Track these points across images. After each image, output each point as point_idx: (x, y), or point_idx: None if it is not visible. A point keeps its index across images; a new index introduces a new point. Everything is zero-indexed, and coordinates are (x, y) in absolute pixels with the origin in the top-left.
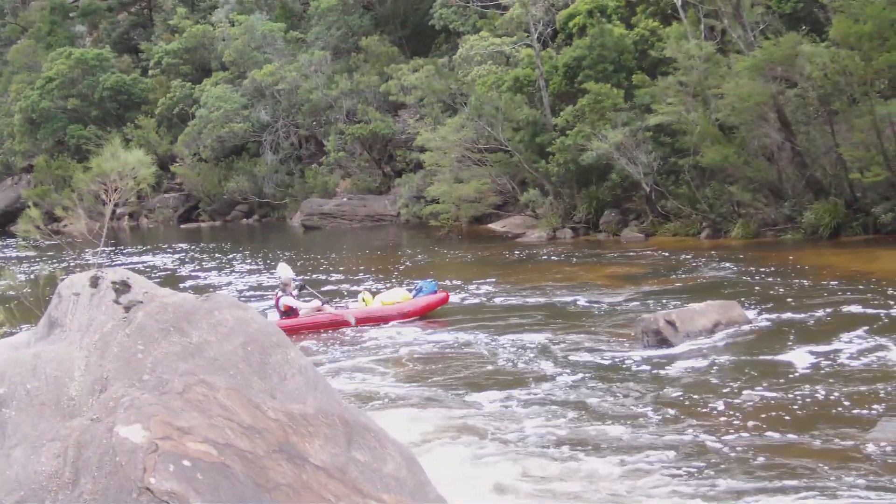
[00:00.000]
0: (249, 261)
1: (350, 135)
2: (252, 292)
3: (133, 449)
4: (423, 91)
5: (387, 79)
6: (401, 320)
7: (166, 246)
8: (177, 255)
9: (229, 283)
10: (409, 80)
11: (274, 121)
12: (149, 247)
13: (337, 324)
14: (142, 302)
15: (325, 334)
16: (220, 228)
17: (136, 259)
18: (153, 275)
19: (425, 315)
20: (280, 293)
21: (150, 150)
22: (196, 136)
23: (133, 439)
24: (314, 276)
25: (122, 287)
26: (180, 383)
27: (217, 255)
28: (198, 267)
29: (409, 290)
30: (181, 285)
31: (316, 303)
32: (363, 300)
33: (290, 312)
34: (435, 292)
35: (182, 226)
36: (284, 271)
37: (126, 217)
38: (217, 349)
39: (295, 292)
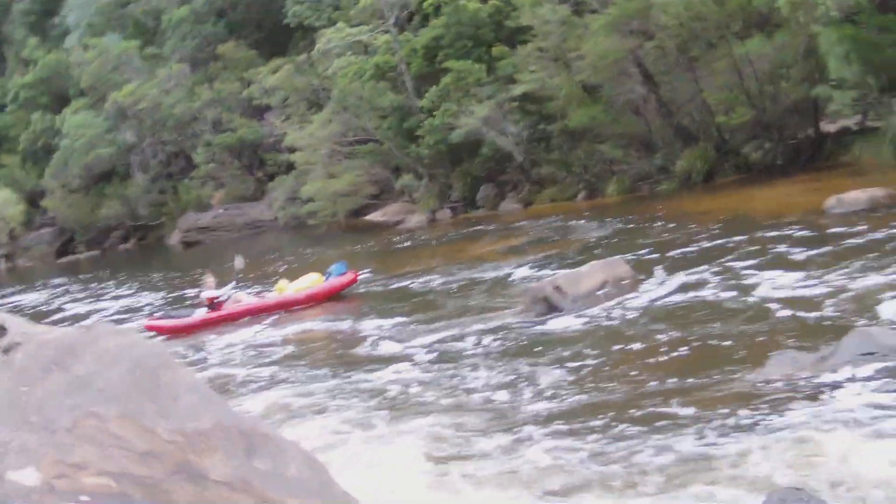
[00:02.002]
0: (129, 286)
1: (218, 145)
2: (135, 315)
3: (27, 493)
4: (286, 91)
5: (248, 84)
6: (312, 304)
7: (43, 283)
8: (55, 291)
9: (110, 311)
10: (269, 81)
11: (140, 141)
12: (25, 285)
13: (259, 310)
14: (20, 343)
15: (242, 324)
16: (98, 258)
17: (13, 299)
18: (32, 313)
19: (337, 295)
20: (202, 289)
21: (18, 187)
22: (62, 167)
23: (26, 483)
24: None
25: None
26: (69, 419)
27: (95, 284)
28: (77, 299)
29: (324, 274)
30: (61, 320)
31: (240, 294)
32: (278, 289)
33: (213, 305)
34: (344, 273)
35: (59, 260)
36: (207, 279)
37: (2, 259)
38: (103, 379)
39: (224, 289)
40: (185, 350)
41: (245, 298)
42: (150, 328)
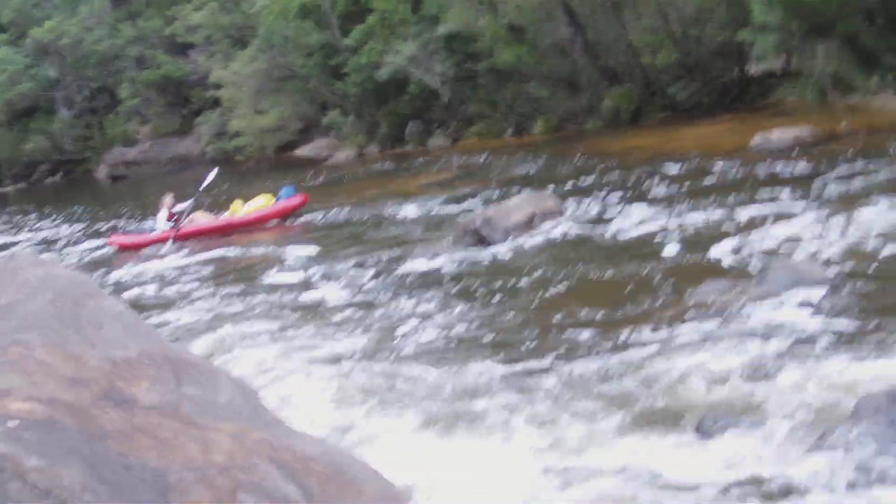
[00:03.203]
0: (54, 219)
1: (142, 81)
2: (56, 246)
3: None
4: (210, 29)
5: (172, 21)
6: (263, 223)
7: None
8: None
9: (33, 242)
10: (193, 19)
11: (63, 76)
12: None
13: (213, 230)
14: None
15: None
16: (24, 191)
17: None
18: None
19: (287, 216)
20: (160, 209)
21: None
22: None
23: None
24: (125, 222)
25: None
26: None
27: (20, 217)
28: (4, 229)
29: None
30: None
31: (200, 215)
32: (233, 209)
33: (174, 223)
34: (293, 196)
35: None
36: (165, 198)
37: None
38: (26, 308)
39: (181, 206)
40: (126, 272)
41: (199, 218)
42: (114, 244)
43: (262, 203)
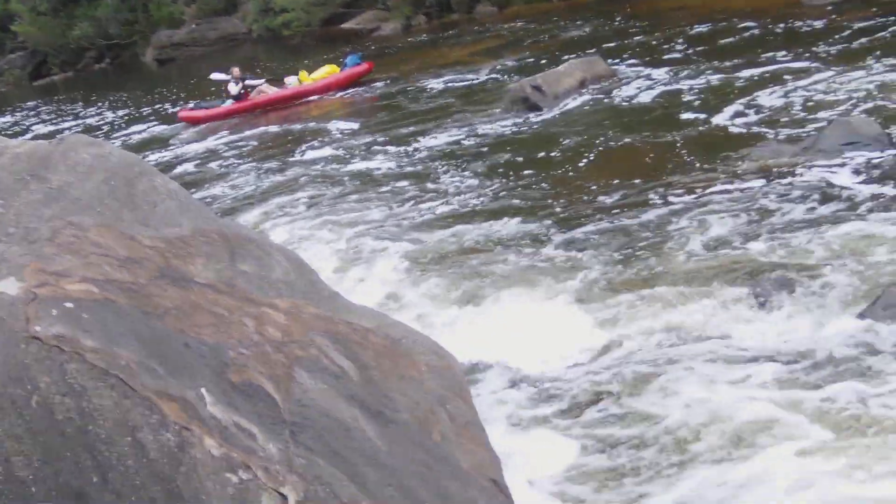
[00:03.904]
0: (104, 105)
1: None
2: (114, 131)
3: (11, 302)
4: None
5: None
6: (328, 91)
7: (18, 105)
8: (30, 112)
9: (84, 127)
10: None
11: None
12: (2, 109)
13: (282, 99)
14: None
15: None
16: (73, 79)
17: None
18: (8, 133)
19: (352, 84)
20: (229, 79)
21: None
22: None
23: (9, 292)
24: (175, 107)
25: None
26: (48, 229)
27: (71, 104)
28: (52, 119)
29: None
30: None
31: (268, 86)
32: (299, 79)
33: (239, 97)
34: (358, 64)
35: (35, 83)
36: (230, 72)
37: None
38: (79, 189)
39: (248, 81)
40: (184, 149)
41: (268, 89)
42: (183, 118)
43: (326, 71)
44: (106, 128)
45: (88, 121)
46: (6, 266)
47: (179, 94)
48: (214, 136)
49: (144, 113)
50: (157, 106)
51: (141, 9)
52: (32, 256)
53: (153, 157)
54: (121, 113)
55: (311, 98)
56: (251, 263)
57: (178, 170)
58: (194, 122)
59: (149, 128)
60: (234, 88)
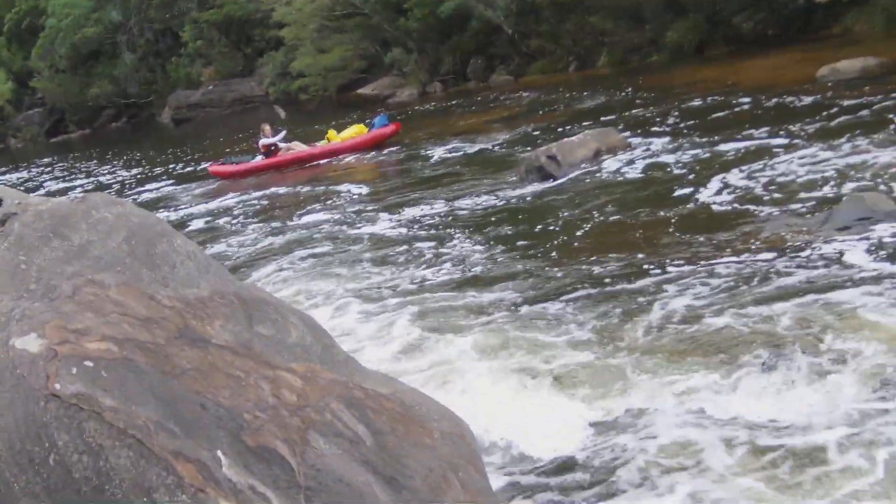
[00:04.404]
0: (120, 163)
1: (205, 22)
2: (128, 190)
3: (32, 359)
4: None
5: None
6: (356, 150)
7: (34, 161)
8: (47, 169)
9: (102, 185)
10: None
11: (126, 20)
12: (18, 165)
13: (311, 157)
14: (16, 213)
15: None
16: (90, 136)
17: (5, 178)
18: (25, 189)
19: (380, 144)
20: (260, 138)
21: (4, 68)
22: (49, 48)
23: (30, 349)
24: (189, 167)
25: None
26: (69, 287)
27: (86, 162)
28: (68, 176)
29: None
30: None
31: (297, 144)
32: (328, 137)
33: (269, 153)
34: (386, 125)
35: (51, 140)
36: (264, 127)
37: None
38: (101, 248)
39: (277, 137)
40: (211, 203)
41: (298, 146)
42: (214, 173)
43: (354, 132)
44: (117, 186)
45: (102, 178)
46: (28, 322)
47: (195, 153)
48: (234, 193)
49: (158, 172)
50: (171, 165)
51: (159, 69)
52: (53, 313)
53: (170, 214)
54: (135, 171)
55: (339, 156)
56: (268, 326)
57: (195, 226)
58: (224, 176)
59: (163, 186)
60: (263, 145)
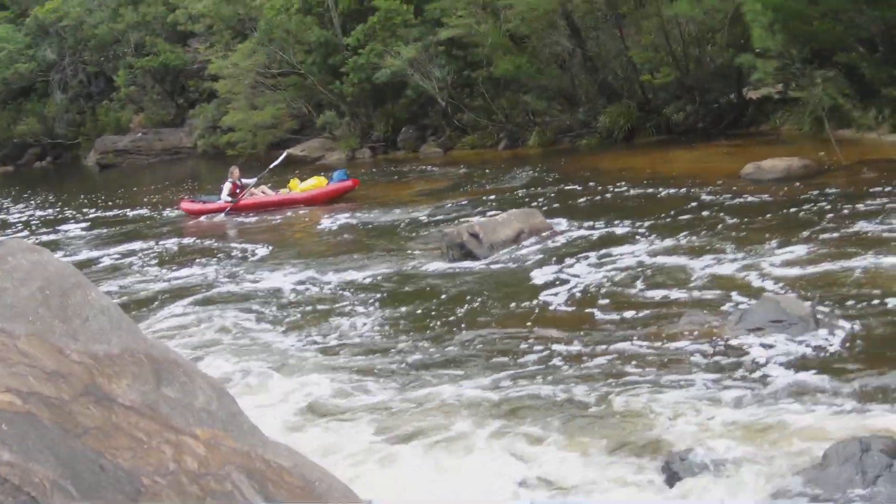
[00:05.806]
0: (41, 203)
1: (140, 68)
2: (46, 234)
3: None
4: (212, 18)
5: (174, 8)
6: (315, 203)
7: None
8: None
9: (21, 228)
10: (196, 7)
11: (61, 59)
12: None
13: (268, 204)
14: None
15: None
16: (12, 174)
17: None
18: None
19: (336, 199)
20: (229, 178)
21: None
22: None
23: None
24: (112, 212)
25: None
26: None
27: (7, 200)
28: None
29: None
30: None
31: (265, 189)
32: (290, 186)
33: (234, 195)
34: (344, 180)
35: None
36: (233, 170)
37: None
38: (13, 295)
39: (251, 180)
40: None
41: (265, 192)
42: (185, 210)
43: (315, 183)
44: (31, 225)
45: (21, 217)
46: None
47: (117, 200)
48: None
49: (70, 214)
50: (88, 210)
51: (89, 111)
52: None
53: (73, 257)
54: (49, 211)
55: (296, 207)
56: (175, 388)
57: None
58: (193, 213)
59: (72, 229)
60: (227, 188)
